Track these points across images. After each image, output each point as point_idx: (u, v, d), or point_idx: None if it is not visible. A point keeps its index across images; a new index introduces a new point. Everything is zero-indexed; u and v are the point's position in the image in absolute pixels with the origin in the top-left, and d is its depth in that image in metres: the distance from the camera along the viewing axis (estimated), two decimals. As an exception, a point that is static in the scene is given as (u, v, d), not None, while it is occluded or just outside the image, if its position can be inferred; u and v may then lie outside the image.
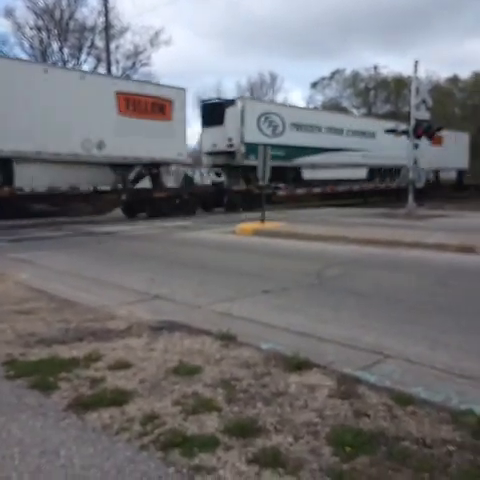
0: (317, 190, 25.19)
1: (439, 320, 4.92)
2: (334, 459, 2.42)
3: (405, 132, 18.02)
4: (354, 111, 49.90)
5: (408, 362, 3.78)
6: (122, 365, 3.63)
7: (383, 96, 50.84)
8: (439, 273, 7.45)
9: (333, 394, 3.14)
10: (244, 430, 2.67)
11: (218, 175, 21.93)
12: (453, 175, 36.23)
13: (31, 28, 35.44)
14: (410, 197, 17.39)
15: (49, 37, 36.06)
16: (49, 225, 15.40)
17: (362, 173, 28.03)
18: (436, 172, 32.91)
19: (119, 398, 3.08)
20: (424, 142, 18.43)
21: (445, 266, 8.08)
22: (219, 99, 25.03)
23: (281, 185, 22.88)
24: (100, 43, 35.05)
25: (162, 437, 2.62)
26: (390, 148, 24.98)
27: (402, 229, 12.44)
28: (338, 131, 26.16)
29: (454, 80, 53.03)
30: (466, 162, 36.02)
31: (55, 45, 36.44)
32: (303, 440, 2.60)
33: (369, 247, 10.04)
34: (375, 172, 28.96)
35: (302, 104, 50.90)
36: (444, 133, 27.16)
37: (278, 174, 19.59)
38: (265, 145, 14.03)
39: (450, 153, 31.95)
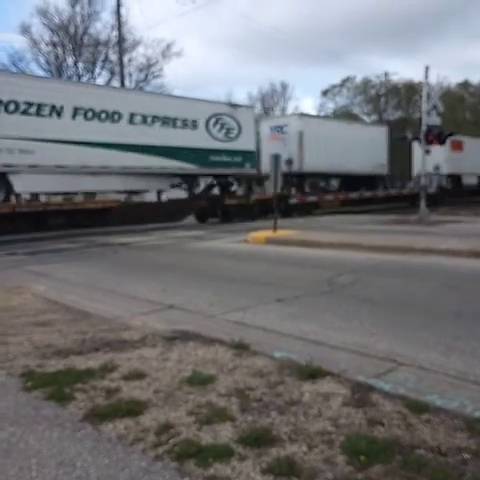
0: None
1: (452, 326, 4.89)
2: (349, 468, 2.41)
3: (417, 138, 17.96)
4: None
5: (422, 369, 3.76)
6: (137, 375, 3.67)
7: (394, 102, 50.67)
8: (452, 279, 7.39)
9: (347, 402, 3.14)
10: (258, 440, 2.68)
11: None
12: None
13: (47, 44, 36.16)
14: (422, 203, 17.27)
15: (64, 52, 36.75)
16: (64, 237, 15.54)
17: None
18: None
19: (134, 408, 3.11)
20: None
21: (458, 272, 8.02)
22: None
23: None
24: (113, 57, 35.61)
25: (177, 447, 2.64)
26: None
27: (414, 235, 12.37)
28: None
29: (465, 85, 52.72)
30: None
31: (70, 60, 37.13)
32: (317, 449, 2.60)
33: (381, 254, 9.99)
34: None
35: (313, 112, 50.58)
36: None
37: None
38: (276, 155, 13.93)
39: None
